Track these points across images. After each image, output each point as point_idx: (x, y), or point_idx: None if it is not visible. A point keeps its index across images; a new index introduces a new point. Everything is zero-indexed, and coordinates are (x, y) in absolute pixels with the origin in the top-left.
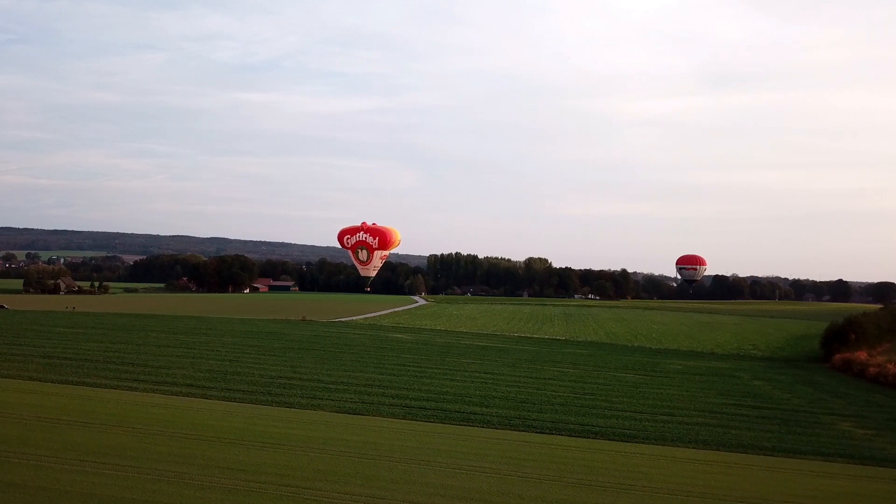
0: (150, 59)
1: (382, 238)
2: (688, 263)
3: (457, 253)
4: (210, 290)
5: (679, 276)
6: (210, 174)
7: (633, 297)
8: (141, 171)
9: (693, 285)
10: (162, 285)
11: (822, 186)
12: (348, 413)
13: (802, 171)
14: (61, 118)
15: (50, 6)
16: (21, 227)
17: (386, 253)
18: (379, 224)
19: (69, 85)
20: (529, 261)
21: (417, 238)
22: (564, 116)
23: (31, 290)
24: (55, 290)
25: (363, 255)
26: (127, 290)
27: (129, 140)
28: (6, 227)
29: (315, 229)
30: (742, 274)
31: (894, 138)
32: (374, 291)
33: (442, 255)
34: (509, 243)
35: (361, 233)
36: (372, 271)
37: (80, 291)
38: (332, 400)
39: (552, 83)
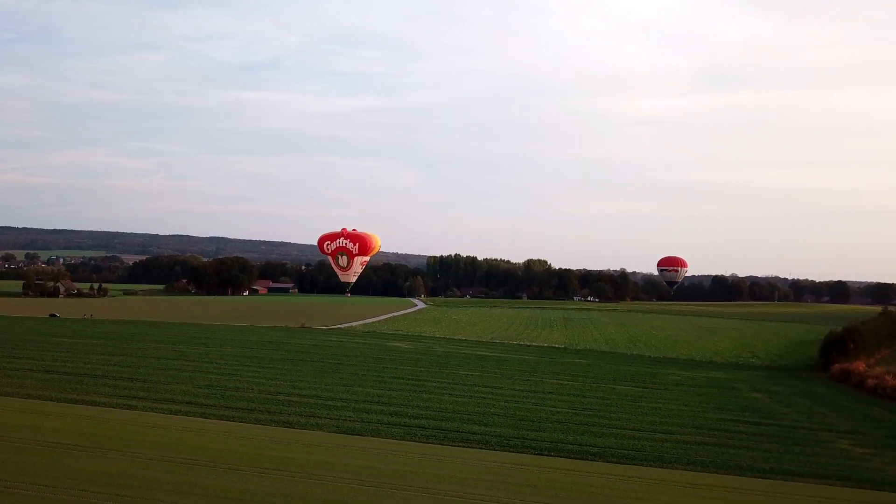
0: (151, 59)
1: (362, 244)
2: (668, 265)
3: (456, 254)
4: (209, 292)
5: (661, 278)
6: (210, 173)
7: (632, 299)
8: (141, 170)
9: (674, 287)
10: (161, 287)
11: (821, 186)
12: (347, 433)
13: (802, 170)
14: (61, 117)
15: (51, 5)
16: (21, 226)
17: (366, 258)
18: (360, 230)
19: (70, 84)
20: (529, 262)
21: (417, 238)
22: (565, 116)
23: (31, 294)
24: (55, 293)
25: (343, 260)
26: (126, 293)
27: (130, 139)
28: (6, 227)
29: (315, 228)
30: (741, 274)
31: (894, 138)
32: (373, 293)
33: (441, 256)
34: (509, 244)
35: (341, 239)
36: (352, 277)
37: (80, 294)
38: (330, 419)
39: (552, 83)
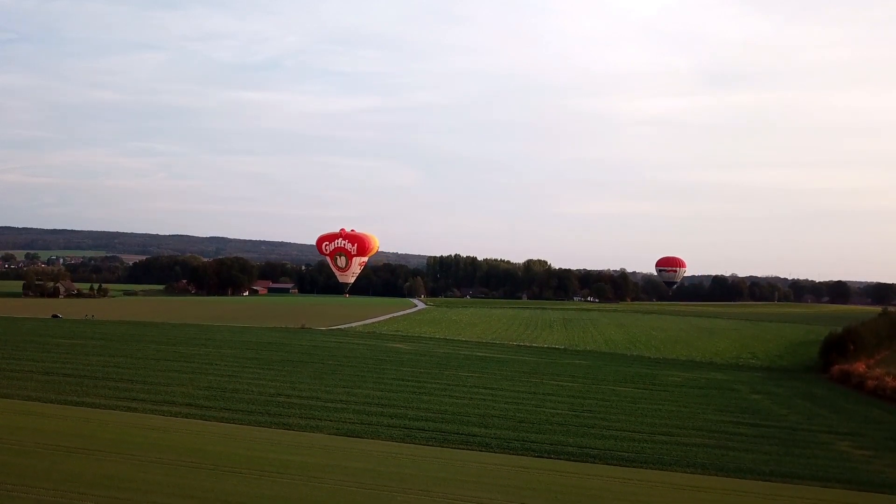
0: (151, 59)
1: (361, 244)
2: (667, 265)
3: (456, 255)
4: (209, 293)
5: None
6: (210, 173)
7: (632, 299)
8: (141, 169)
9: (673, 287)
10: (161, 287)
11: (821, 186)
12: (347, 435)
13: (802, 170)
14: (62, 117)
15: (51, 5)
16: (21, 226)
17: (364, 259)
18: (358, 230)
19: (70, 84)
20: (529, 263)
21: (417, 238)
22: (565, 116)
23: (31, 294)
24: (55, 294)
25: (342, 261)
26: (126, 293)
27: (130, 139)
28: (6, 227)
29: (315, 228)
30: (741, 274)
31: (894, 138)
32: (373, 293)
33: (441, 256)
34: (509, 244)
35: (340, 239)
36: (350, 277)
37: (80, 295)
38: (330, 420)
39: (553, 82)
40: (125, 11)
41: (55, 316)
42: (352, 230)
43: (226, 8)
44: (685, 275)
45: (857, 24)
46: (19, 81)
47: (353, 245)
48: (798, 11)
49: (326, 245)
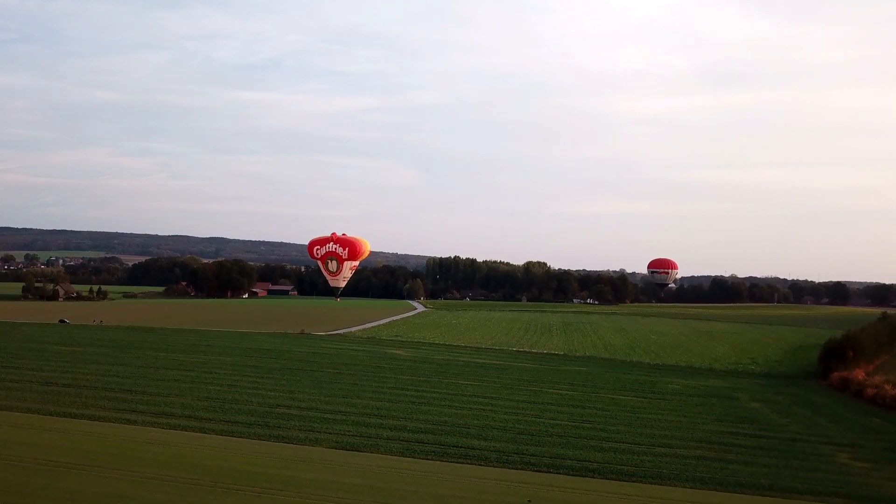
0: (152, 58)
1: (352, 248)
2: (659, 267)
3: (455, 256)
4: (209, 295)
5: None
6: (210, 173)
7: (631, 301)
8: (141, 169)
9: (665, 288)
10: (161, 289)
11: (821, 186)
12: (346, 449)
13: (802, 170)
14: (62, 117)
15: (52, 5)
16: (20, 226)
17: (356, 263)
18: (349, 234)
19: (70, 84)
20: (528, 264)
21: (417, 239)
22: (565, 115)
23: (30, 297)
24: (54, 297)
25: (333, 265)
26: (126, 296)
27: (130, 139)
28: (5, 227)
29: (315, 229)
30: (741, 275)
31: (894, 138)
32: (373, 295)
33: (441, 258)
34: (508, 246)
35: (331, 243)
36: (342, 282)
37: (80, 297)
38: (330, 433)
39: (552, 82)
40: (126, 11)
41: (62, 321)
42: (343, 234)
43: (226, 8)
44: (682, 276)
45: (857, 24)
46: (19, 81)
47: (344, 249)
48: (798, 11)
49: (318, 249)
